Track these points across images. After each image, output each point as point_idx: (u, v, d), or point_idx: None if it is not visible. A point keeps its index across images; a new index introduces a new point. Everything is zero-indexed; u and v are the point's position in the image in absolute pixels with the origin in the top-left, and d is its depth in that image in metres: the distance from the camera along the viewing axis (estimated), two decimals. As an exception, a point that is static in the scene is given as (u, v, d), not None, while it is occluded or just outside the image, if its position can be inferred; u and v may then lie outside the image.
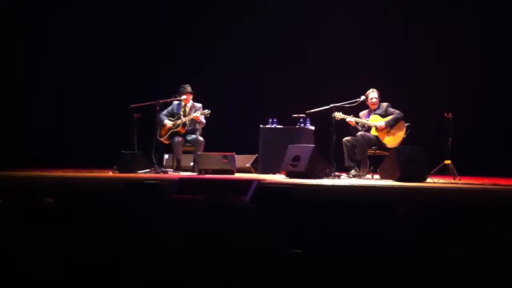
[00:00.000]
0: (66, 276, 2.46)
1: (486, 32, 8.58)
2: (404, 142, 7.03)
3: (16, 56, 9.61)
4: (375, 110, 7.19)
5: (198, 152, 7.53)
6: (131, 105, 7.62)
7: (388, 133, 7.06)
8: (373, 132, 7.08)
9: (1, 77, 9.37)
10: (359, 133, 7.06)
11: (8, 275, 2.49)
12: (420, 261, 2.41)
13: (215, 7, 9.70)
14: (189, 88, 7.86)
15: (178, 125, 7.75)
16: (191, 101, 7.91)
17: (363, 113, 7.27)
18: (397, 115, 7.04)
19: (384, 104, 7.18)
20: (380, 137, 7.04)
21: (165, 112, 7.89)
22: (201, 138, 7.74)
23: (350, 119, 7.07)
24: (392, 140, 7.02)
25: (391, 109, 7.12)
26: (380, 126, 7.01)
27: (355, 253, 2.40)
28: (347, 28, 9.06)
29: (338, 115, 7.01)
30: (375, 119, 7.13)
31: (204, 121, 7.77)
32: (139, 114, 7.59)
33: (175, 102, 7.91)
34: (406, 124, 7.06)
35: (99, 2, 9.78)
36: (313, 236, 2.63)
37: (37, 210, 3.02)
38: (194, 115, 7.66)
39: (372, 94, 7.17)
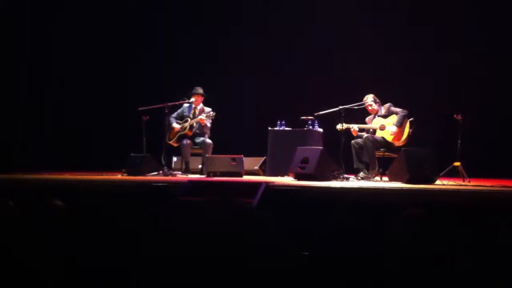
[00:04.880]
0: (71, 278, 2.47)
1: (496, 32, 8.54)
2: (411, 140, 6.99)
3: (19, 57, 9.67)
4: (377, 112, 7.17)
5: (207, 155, 7.54)
6: (140, 108, 7.65)
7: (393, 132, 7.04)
8: (379, 133, 7.06)
9: (7, 79, 9.42)
10: (366, 135, 7.04)
11: (15, 277, 2.51)
12: (427, 263, 2.40)
13: (215, 6, 9.73)
14: (200, 90, 7.87)
15: (185, 128, 7.77)
16: (201, 104, 7.92)
17: (369, 118, 7.26)
18: (403, 114, 6.99)
19: (386, 105, 7.15)
20: (387, 137, 7.02)
21: (174, 114, 7.92)
22: (209, 141, 7.75)
23: (354, 128, 7.04)
24: (398, 138, 7.00)
25: (394, 108, 7.09)
26: (393, 132, 6.97)
27: (361, 255, 2.39)
28: (356, 28, 9.05)
29: (340, 126, 6.94)
30: (378, 122, 7.12)
31: (209, 125, 7.78)
32: (147, 117, 7.61)
33: (185, 105, 7.93)
34: (410, 120, 7.02)
35: (99, 2, 9.83)
36: (321, 238, 2.62)
37: (47, 212, 3.04)
38: (199, 117, 7.68)
39: (367, 100, 7.14)
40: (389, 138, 7.01)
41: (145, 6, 9.90)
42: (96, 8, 9.79)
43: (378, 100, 7.16)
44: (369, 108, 7.13)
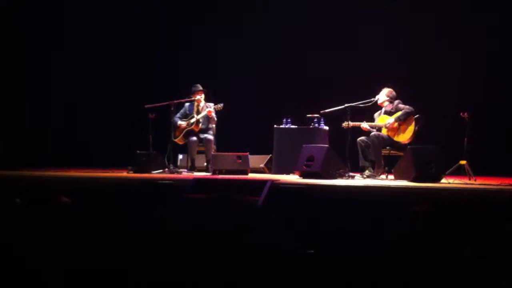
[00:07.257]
0: (72, 278, 2.47)
1: (503, 31, 8.50)
2: (418, 138, 6.96)
3: (23, 56, 9.68)
4: (385, 107, 7.15)
5: (212, 153, 7.55)
6: (146, 106, 7.67)
7: (398, 130, 7.01)
8: (384, 131, 7.04)
9: (10, 78, 9.45)
10: (373, 133, 7.02)
11: (17, 276, 2.51)
12: (433, 262, 2.39)
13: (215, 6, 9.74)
14: (200, 87, 7.88)
15: (192, 123, 7.78)
16: (203, 101, 7.92)
17: (377, 114, 7.23)
18: (407, 110, 6.96)
19: (395, 102, 7.12)
20: (392, 136, 6.99)
21: (178, 114, 7.92)
22: (211, 137, 7.75)
23: (364, 125, 7.03)
24: (403, 136, 6.96)
25: (401, 105, 7.05)
26: (389, 123, 6.95)
27: (368, 254, 2.39)
28: (361, 26, 9.02)
29: (346, 124, 6.94)
30: (382, 119, 7.10)
31: (216, 118, 7.78)
32: (154, 115, 7.63)
33: (187, 104, 7.93)
34: (415, 117, 6.98)
35: (99, 2, 9.86)
36: (326, 237, 2.62)
37: (53, 209, 3.05)
38: (207, 110, 7.68)
39: (381, 92, 7.14)
40: (383, 131, 6.98)
41: (145, 6, 9.94)
42: (97, 9, 9.82)
43: (390, 96, 7.13)
44: (378, 102, 7.13)
